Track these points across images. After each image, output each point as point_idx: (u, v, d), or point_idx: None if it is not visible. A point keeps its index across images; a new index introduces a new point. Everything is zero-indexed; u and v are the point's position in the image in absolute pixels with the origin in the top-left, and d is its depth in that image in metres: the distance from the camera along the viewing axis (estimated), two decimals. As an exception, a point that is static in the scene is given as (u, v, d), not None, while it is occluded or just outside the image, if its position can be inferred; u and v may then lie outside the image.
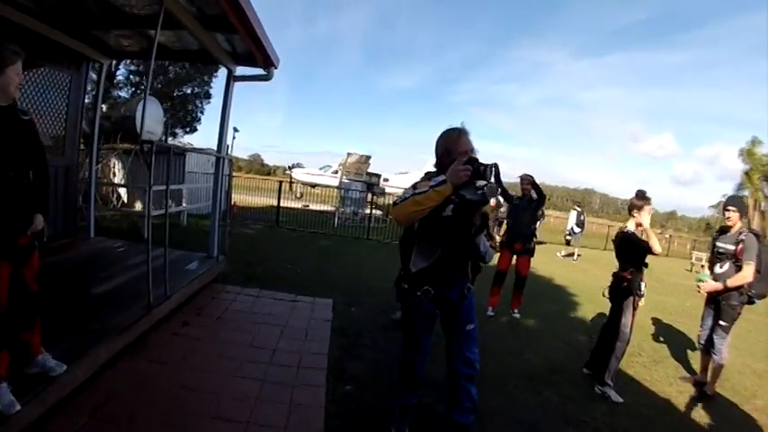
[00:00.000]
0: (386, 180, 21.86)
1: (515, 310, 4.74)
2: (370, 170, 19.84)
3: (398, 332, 3.67)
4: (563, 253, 11.79)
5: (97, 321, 2.46)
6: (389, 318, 3.97)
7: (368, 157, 18.71)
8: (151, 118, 8.79)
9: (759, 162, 16.94)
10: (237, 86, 4.50)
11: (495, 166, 1.69)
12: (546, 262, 9.61)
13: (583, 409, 2.85)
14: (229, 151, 18.43)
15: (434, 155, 1.96)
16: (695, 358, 4.30)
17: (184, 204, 8.27)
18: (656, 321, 5.60)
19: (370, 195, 16.12)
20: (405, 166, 33.95)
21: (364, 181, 18.72)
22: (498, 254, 4.82)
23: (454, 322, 2.01)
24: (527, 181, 4.54)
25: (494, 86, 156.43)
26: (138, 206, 11.07)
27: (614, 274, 3.29)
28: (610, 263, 3.81)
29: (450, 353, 2.02)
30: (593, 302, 5.94)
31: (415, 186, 1.84)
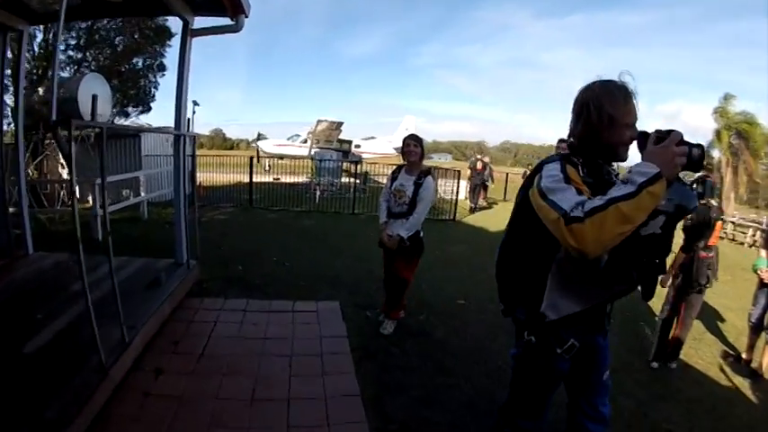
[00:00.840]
0: (357, 146, 20.77)
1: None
2: (341, 137, 18.69)
3: (431, 339, 3.13)
4: None
5: (28, 410, 1.61)
6: (414, 318, 3.34)
7: (339, 124, 17.47)
8: (99, 97, 7.26)
9: (732, 120, 17.20)
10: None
11: (701, 147, 0.98)
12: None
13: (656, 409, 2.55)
14: (191, 127, 16.69)
15: (578, 122, 1.22)
16: (729, 330, 4.10)
17: (143, 194, 7.02)
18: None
19: (347, 164, 15.10)
20: (370, 130, 32.59)
21: (336, 148, 17.56)
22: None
23: (590, 372, 1.38)
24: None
25: (457, 48, 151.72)
26: (90, 199, 9.59)
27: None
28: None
29: (577, 410, 1.42)
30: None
31: (567, 178, 1.09)
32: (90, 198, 10.24)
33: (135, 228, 6.08)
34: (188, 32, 3.31)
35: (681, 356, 3.26)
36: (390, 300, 3.08)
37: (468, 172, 11.40)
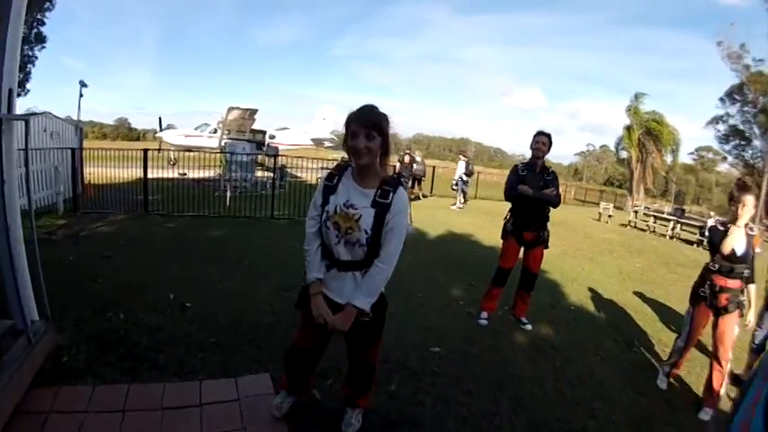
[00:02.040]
0: (272, 137, 18.77)
1: (523, 319, 3.54)
2: (253, 127, 16.58)
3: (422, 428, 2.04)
4: (458, 204, 11.67)
5: None
6: (383, 394, 2.29)
7: (254, 112, 15.37)
8: None
9: (641, 118, 19.21)
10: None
11: None
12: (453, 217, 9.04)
13: None
14: (77, 115, 12.87)
15: None
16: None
17: None
18: (640, 295, 5.11)
19: (261, 157, 13.21)
20: (283, 121, 30.52)
21: (249, 140, 15.42)
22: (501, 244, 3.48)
23: None
24: (543, 143, 3.16)
25: (372, 41, 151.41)
26: None
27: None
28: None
29: None
30: (588, 281, 5.34)
31: None
32: None
33: None
34: None
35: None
36: (354, 385, 1.98)
37: (397, 166, 11.12)
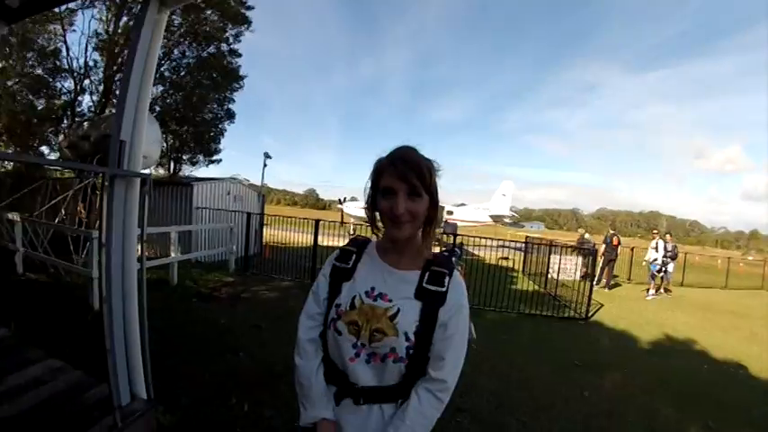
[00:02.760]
0: (449, 213, 19.08)
1: None
2: None
3: None
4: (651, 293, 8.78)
5: None
6: None
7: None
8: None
9: None
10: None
11: None
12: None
13: None
14: (261, 182, 16.22)
15: None
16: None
17: (173, 254, 5.79)
18: None
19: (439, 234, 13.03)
20: (459, 198, 31.21)
21: None
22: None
23: None
24: None
25: (543, 112, 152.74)
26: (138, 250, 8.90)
27: None
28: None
29: None
30: None
31: None
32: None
33: (155, 296, 4.66)
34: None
35: None
36: None
37: (603, 248, 9.50)
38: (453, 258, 1.10)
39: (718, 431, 2.84)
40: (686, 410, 3.11)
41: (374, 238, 1.12)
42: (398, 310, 0.97)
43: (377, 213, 1.03)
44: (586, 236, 10.57)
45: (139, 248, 2.02)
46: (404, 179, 0.94)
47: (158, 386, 2.46)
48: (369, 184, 1.03)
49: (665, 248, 9.07)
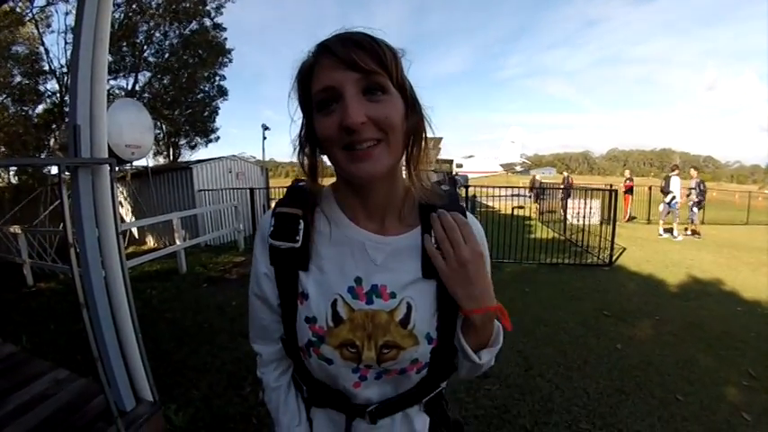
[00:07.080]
0: (459, 166, 18.43)
1: None
2: (439, 156, 16.45)
3: None
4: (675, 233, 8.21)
5: None
6: None
7: (438, 140, 14.45)
8: (132, 126, 6.42)
9: None
10: None
11: None
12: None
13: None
14: (262, 156, 15.57)
15: None
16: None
17: (178, 242, 5.66)
18: None
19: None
20: (467, 150, 30.08)
21: (435, 170, 15.40)
22: None
23: None
24: None
25: (544, 54, 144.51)
26: (151, 241, 8.88)
27: None
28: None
29: None
30: None
31: None
32: (150, 239, 9.38)
33: (165, 286, 4.66)
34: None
35: None
36: None
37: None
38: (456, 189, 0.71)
39: (759, 378, 2.64)
40: (724, 358, 2.91)
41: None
42: (410, 307, 0.62)
43: (320, 154, 0.64)
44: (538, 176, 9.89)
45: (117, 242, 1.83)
46: (351, 64, 0.51)
47: (168, 383, 2.38)
48: (296, 108, 0.62)
49: (700, 187, 8.51)
